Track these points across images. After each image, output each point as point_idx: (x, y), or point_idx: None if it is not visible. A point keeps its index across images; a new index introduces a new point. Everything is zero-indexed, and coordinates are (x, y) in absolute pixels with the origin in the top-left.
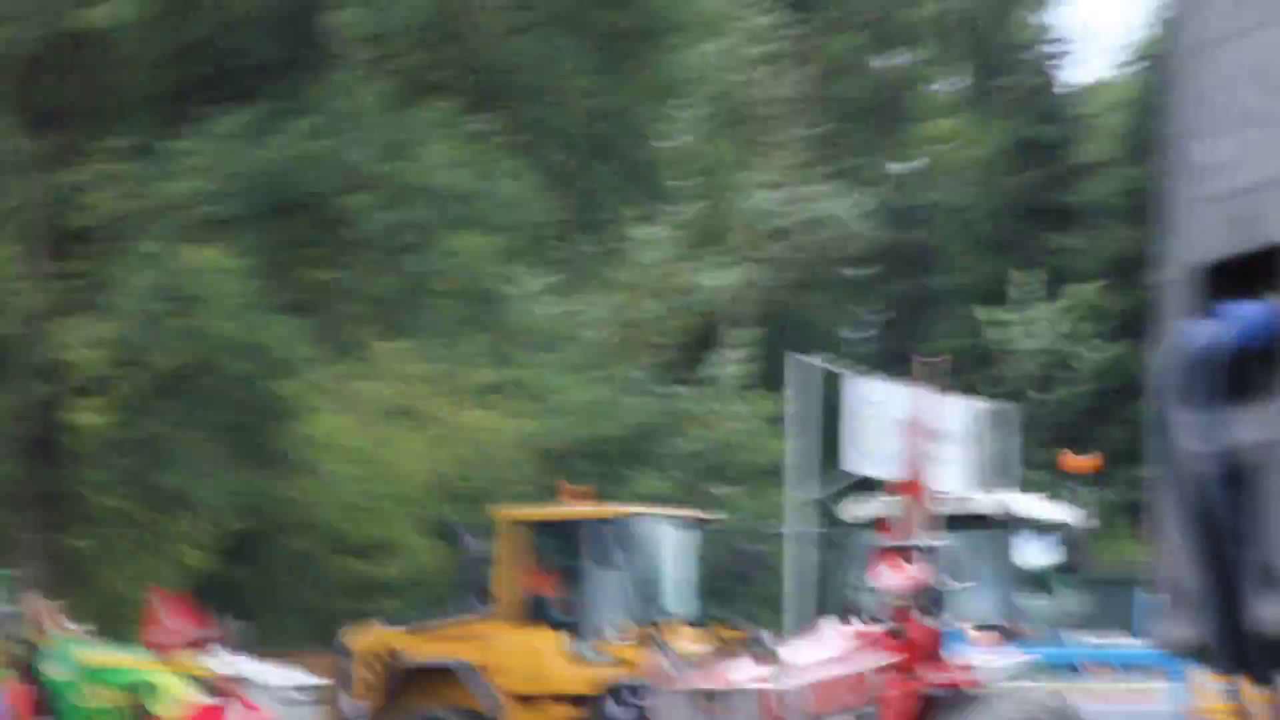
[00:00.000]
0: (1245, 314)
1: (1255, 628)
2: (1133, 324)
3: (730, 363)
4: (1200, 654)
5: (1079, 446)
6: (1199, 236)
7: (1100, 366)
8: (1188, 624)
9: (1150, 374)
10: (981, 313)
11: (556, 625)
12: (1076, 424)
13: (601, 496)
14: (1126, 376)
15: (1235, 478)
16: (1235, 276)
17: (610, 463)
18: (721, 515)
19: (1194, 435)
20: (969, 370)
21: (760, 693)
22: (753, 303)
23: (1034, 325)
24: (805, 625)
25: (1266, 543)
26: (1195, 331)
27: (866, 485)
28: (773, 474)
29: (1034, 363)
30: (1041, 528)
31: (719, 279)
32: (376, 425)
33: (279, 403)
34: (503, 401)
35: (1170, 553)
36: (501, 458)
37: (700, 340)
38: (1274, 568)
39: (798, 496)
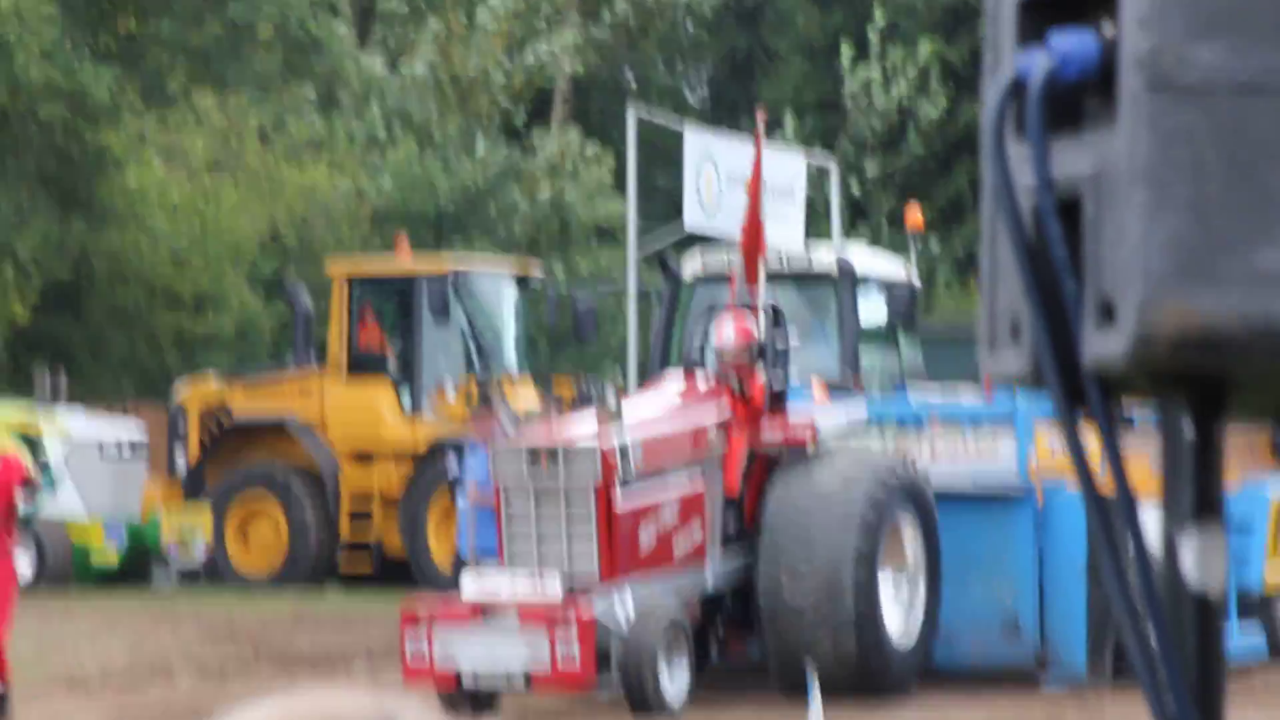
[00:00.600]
0: (1076, 43)
1: (1089, 361)
2: (973, 76)
3: (566, 122)
4: (1032, 383)
5: (923, 202)
6: None
7: (942, 120)
8: (1020, 356)
9: (983, 107)
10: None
11: (390, 381)
12: (921, 178)
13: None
14: (969, 129)
15: (1069, 210)
16: (1067, 5)
17: (445, 224)
18: (554, 274)
19: (1027, 168)
20: (812, 126)
21: (597, 449)
22: (588, 60)
23: (871, 83)
24: (647, 382)
25: (1101, 277)
26: (1027, 62)
27: (705, 241)
28: (609, 235)
29: (878, 119)
30: (880, 283)
31: (555, 37)
32: (202, 178)
33: (99, 153)
34: (331, 157)
35: (1003, 287)
36: (335, 214)
37: (535, 99)
38: (1110, 302)
39: (638, 252)
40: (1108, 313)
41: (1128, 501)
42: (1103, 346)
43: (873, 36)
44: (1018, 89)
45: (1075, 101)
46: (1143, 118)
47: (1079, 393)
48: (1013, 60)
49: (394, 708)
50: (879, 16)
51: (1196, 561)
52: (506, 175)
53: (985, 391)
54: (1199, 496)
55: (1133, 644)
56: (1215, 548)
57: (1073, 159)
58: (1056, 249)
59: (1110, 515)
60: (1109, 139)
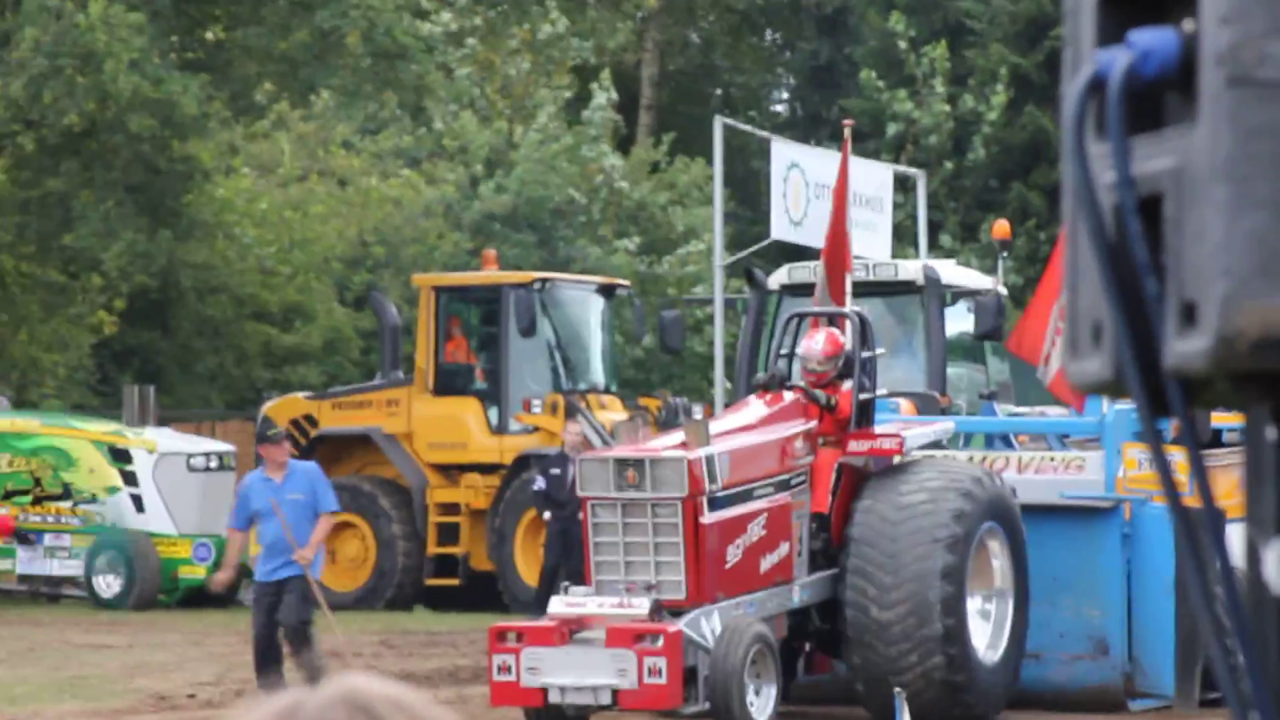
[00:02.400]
0: (1156, 39)
1: (1172, 363)
2: (1041, 87)
3: (646, 131)
4: (1114, 389)
5: (995, 213)
6: None
7: (1010, 131)
8: (1102, 361)
9: (1063, 106)
10: (885, 89)
11: (476, 394)
12: (987, 190)
13: (524, 264)
14: (1037, 139)
15: (1150, 209)
16: (1147, 3)
17: (535, 230)
18: (642, 283)
19: (1107, 167)
20: (875, 137)
21: (685, 460)
22: (662, 65)
23: (936, 94)
24: (733, 393)
25: (1182, 277)
26: (1106, 60)
27: (792, 252)
28: (690, 238)
29: (941, 132)
30: (966, 294)
31: (622, 36)
32: (289, 189)
33: (186, 163)
34: (424, 167)
35: (1085, 290)
36: (423, 224)
37: (618, 105)
38: (1191, 302)
39: (723, 263)
40: (1189, 313)
41: (1209, 503)
42: (1184, 348)
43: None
44: (1097, 86)
45: (1155, 99)
46: (1223, 114)
47: (1161, 397)
48: (1092, 58)
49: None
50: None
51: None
52: (590, 180)
53: (1060, 398)
54: None
55: (1217, 656)
56: None
57: (1153, 157)
58: (1137, 248)
59: (1193, 522)
60: (1190, 136)
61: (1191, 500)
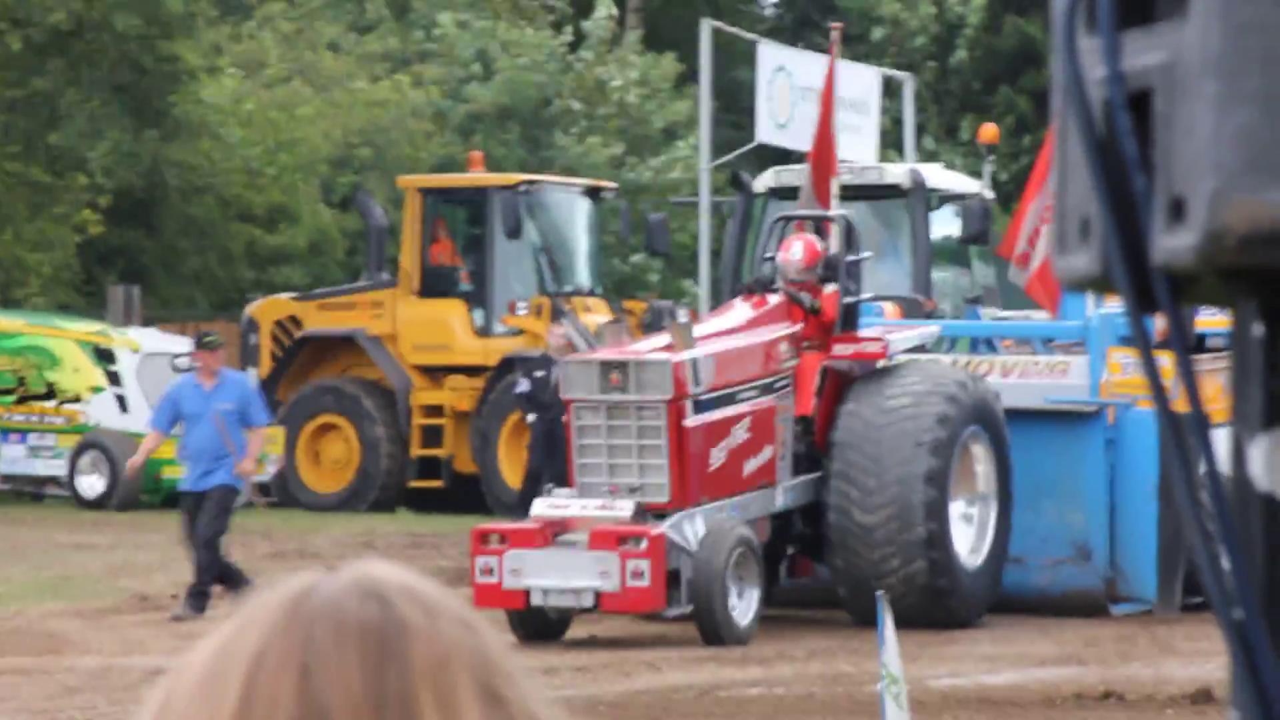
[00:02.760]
0: None
1: (1160, 259)
2: None
3: (629, 28)
4: (1101, 285)
5: (978, 116)
6: None
7: (997, 36)
8: (1089, 257)
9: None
10: None
11: (461, 296)
12: (971, 93)
13: (507, 166)
14: (1023, 44)
15: (1140, 105)
16: None
17: (519, 128)
18: (621, 184)
19: (1097, 61)
20: (863, 41)
21: (667, 363)
22: None
23: None
24: (720, 296)
25: (1171, 173)
26: None
27: (778, 156)
28: (672, 136)
29: (927, 34)
30: (952, 198)
31: None
32: (276, 90)
33: (172, 63)
34: (406, 69)
35: (1073, 186)
36: (408, 126)
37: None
38: (1180, 198)
39: (708, 166)
40: (1177, 209)
41: (1195, 399)
42: (1172, 243)
43: None
44: None
45: None
46: (1214, 8)
47: (1149, 294)
48: None
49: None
50: None
51: (1265, 464)
52: (570, 77)
53: (1035, 300)
54: (1268, 398)
55: (1200, 553)
56: None
57: (1144, 52)
58: (1126, 143)
59: (1180, 423)
60: (1181, 31)
61: (1179, 403)
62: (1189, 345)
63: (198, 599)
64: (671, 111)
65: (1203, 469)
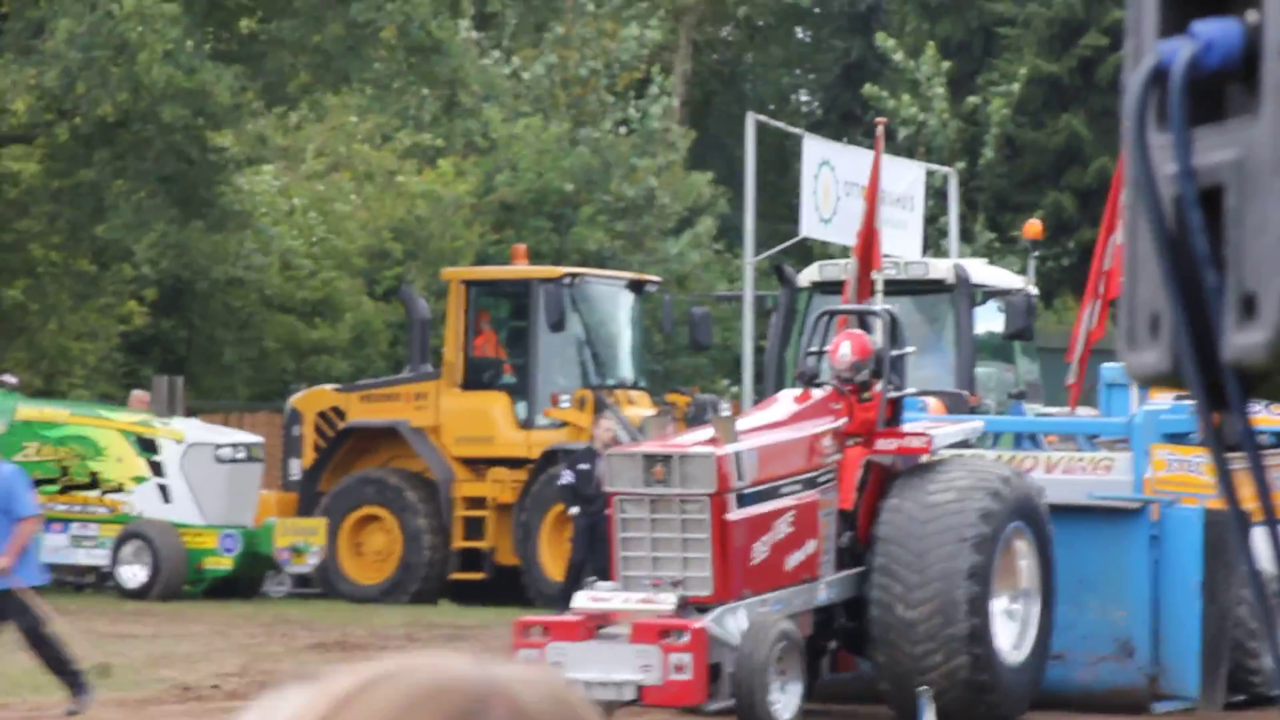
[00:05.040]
0: (1219, 30)
1: (1231, 356)
2: (1072, 90)
3: (656, 114)
4: (1171, 382)
5: (1018, 215)
6: None
7: (1040, 134)
8: (1159, 353)
9: (1124, 95)
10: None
11: (504, 388)
12: (1006, 191)
13: (549, 255)
14: (1063, 145)
15: (1211, 201)
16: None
17: (555, 217)
18: (658, 271)
19: (1168, 158)
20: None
21: (711, 456)
22: (695, 57)
23: (937, 96)
24: (763, 389)
25: (1242, 269)
26: (1169, 50)
27: (819, 249)
28: (706, 221)
29: (947, 132)
30: (996, 294)
31: (640, 29)
32: (320, 182)
33: (217, 154)
34: (449, 159)
35: (1144, 281)
36: (451, 216)
37: (637, 89)
38: (1252, 295)
39: (753, 260)
40: (1249, 306)
41: (1266, 500)
42: (1243, 340)
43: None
44: (1159, 77)
45: (1218, 90)
46: None
47: (1219, 391)
48: (1155, 49)
49: (504, 676)
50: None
51: None
52: (610, 164)
53: (1072, 400)
54: None
55: (1273, 647)
56: None
57: (1215, 148)
58: (1197, 239)
59: (1246, 520)
60: (1252, 128)
61: (1235, 502)
62: (1229, 447)
63: (75, 687)
64: (688, 187)
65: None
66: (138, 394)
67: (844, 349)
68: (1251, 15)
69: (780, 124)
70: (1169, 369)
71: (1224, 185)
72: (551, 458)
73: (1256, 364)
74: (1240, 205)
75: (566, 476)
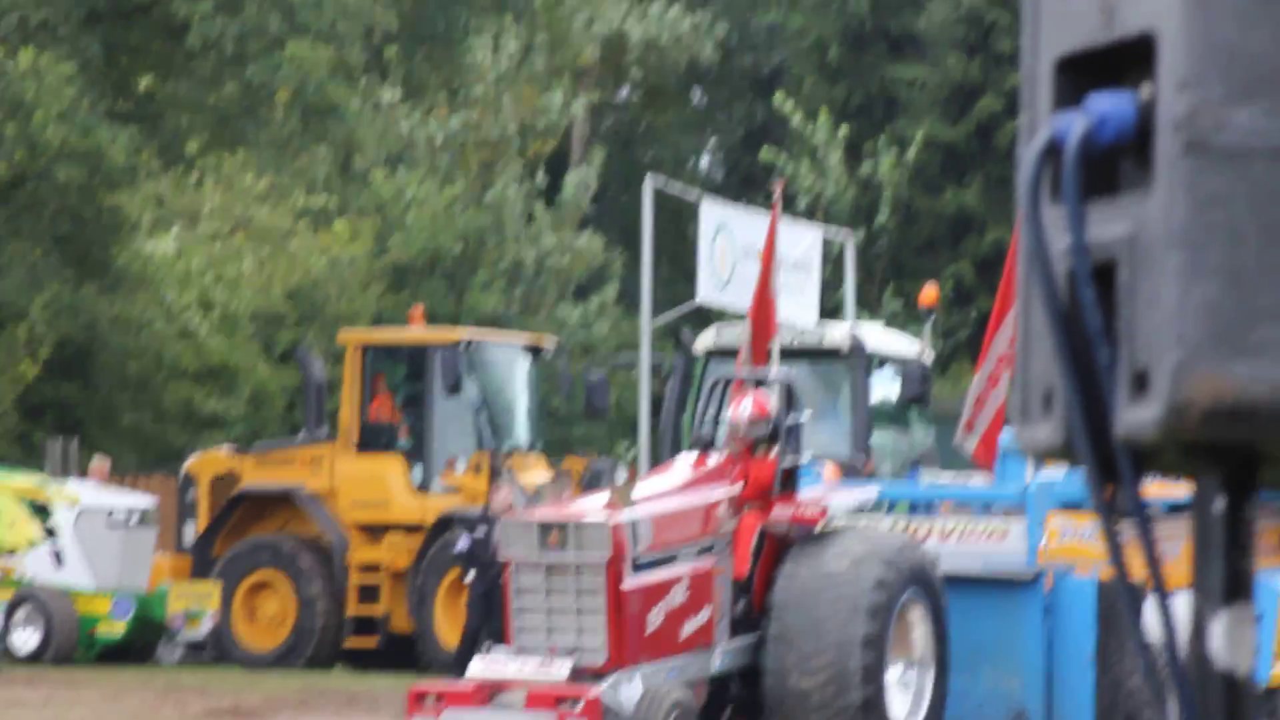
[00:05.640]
0: (1113, 105)
1: (1123, 432)
2: (968, 156)
3: (573, 184)
4: (1063, 456)
5: (914, 281)
6: (1065, 25)
7: (937, 201)
8: (1052, 428)
9: (1019, 169)
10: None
11: (400, 453)
12: (902, 258)
13: (445, 317)
14: (958, 213)
15: (1104, 275)
16: (1104, 66)
17: (455, 280)
18: (563, 338)
19: (1061, 232)
20: (787, 206)
21: (608, 525)
22: (595, 121)
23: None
24: (659, 455)
25: (1134, 345)
26: (1063, 125)
27: (716, 314)
28: (603, 286)
29: (842, 200)
30: (892, 360)
31: (561, 98)
32: (216, 243)
33: (113, 215)
34: (345, 219)
35: (1036, 356)
36: (345, 276)
37: (547, 159)
38: (1143, 371)
39: (650, 325)
40: (1141, 382)
41: (1158, 577)
42: (1135, 416)
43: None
44: (1053, 151)
45: (1111, 164)
46: (1179, 181)
47: (1111, 465)
48: (1049, 123)
49: None
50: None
51: (1225, 640)
52: (506, 228)
53: (980, 465)
54: (1229, 574)
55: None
56: (1245, 627)
57: (1108, 223)
58: (1090, 315)
59: (1137, 593)
60: (1145, 203)
61: (1125, 576)
62: (1147, 511)
63: None
64: (585, 251)
65: (1155, 639)
66: (97, 463)
67: (744, 406)
68: (1146, 89)
69: (678, 186)
70: (1061, 444)
71: (1117, 260)
72: (447, 523)
73: (1148, 440)
74: (1133, 280)
75: (462, 542)
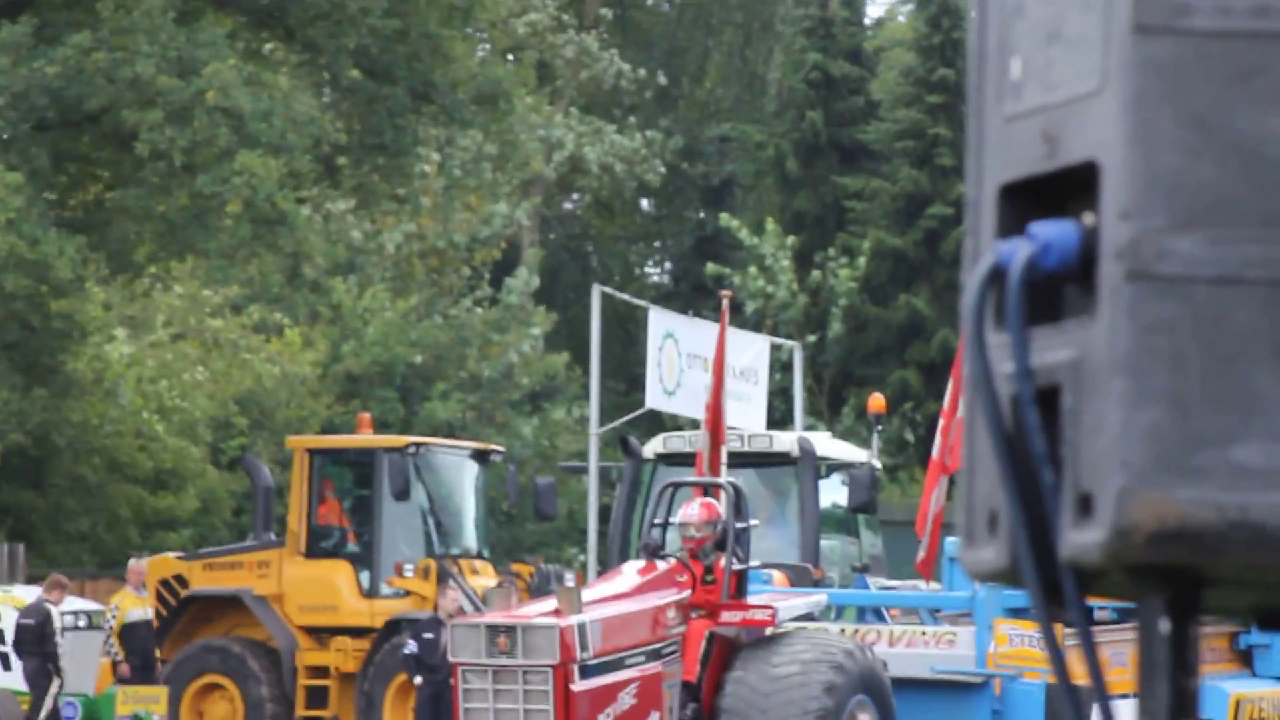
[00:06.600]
0: (1057, 232)
1: (1068, 554)
2: (917, 265)
3: (519, 291)
4: (1009, 578)
5: (861, 389)
6: (1009, 154)
7: (886, 309)
8: (997, 550)
9: (963, 294)
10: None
11: (348, 557)
12: (850, 365)
13: (395, 425)
14: (906, 321)
15: (1048, 399)
16: (1047, 194)
17: (404, 389)
18: (510, 445)
19: (1005, 357)
20: (735, 312)
21: (555, 628)
22: (543, 231)
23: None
24: (608, 560)
25: (1079, 468)
26: (1007, 251)
27: (664, 421)
28: (555, 394)
29: (795, 307)
30: (841, 467)
31: (510, 207)
32: (166, 350)
33: (62, 322)
34: (296, 329)
35: (981, 478)
36: (296, 385)
37: (496, 265)
38: (1088, 494)
39: (598, 431)
40: (1085, 505)
41: (1103, 700)
42: (1080, 539)
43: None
44: (997, 277)
45: (1055, 291)
46: (1122, 307)
47: (1056, 587)
48: (993, 249)
49: None
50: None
51: None
52: (462, 338)
53: (924, 578)
54: (1175, 694)
55: None
56: None
57: (1052, 348)
58: (1035, 439)
59: (1083, 710)
60: (1089, 328)
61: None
62: (1091, 635)
63: None
64: (544, 368)
65: None
66: (134, 565)
67: (693, 509)
68: (1088, 218)
69: (626, 296)
70: (1006, 566)
71: (1061, 385)
72: (395, 627)
73: (1093, 562)
74: (1077, 405)
75: (410, 646)
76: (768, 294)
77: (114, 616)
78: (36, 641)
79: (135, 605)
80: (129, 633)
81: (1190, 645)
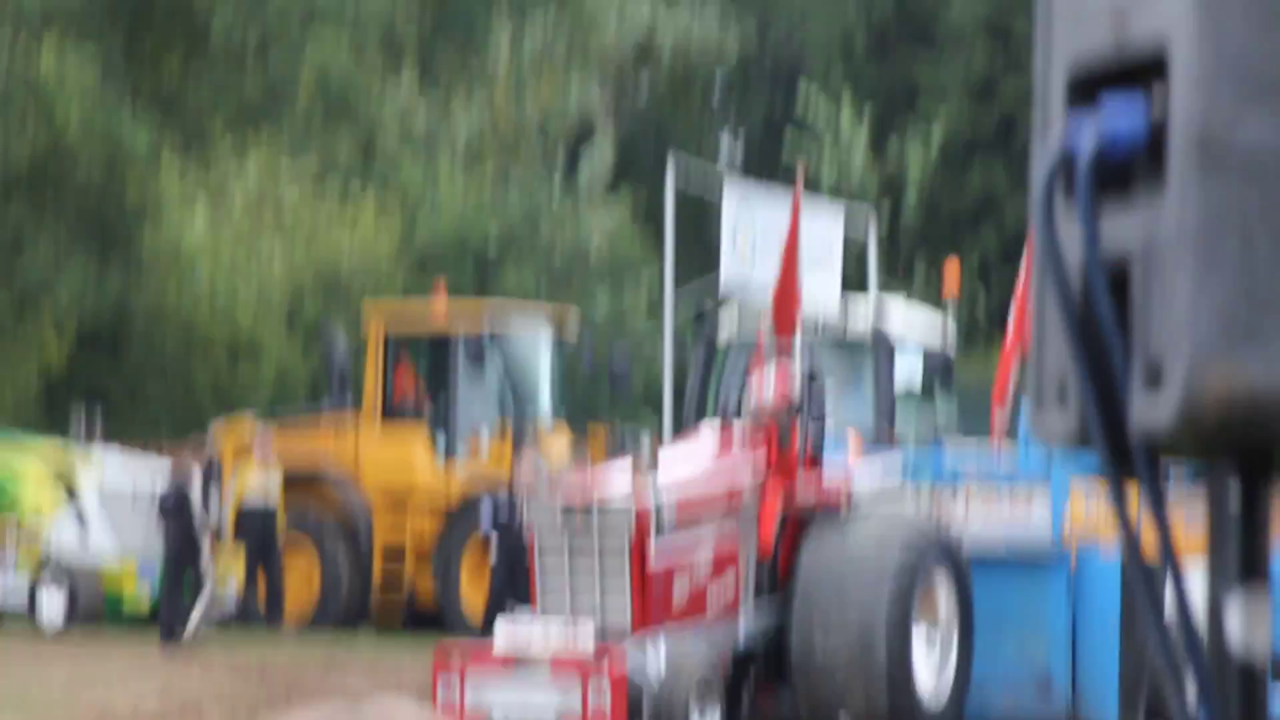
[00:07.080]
0: (1125, 120)
1: (1136, 424)
2: (989, 141)
3: (597, 168)
4: (1078, 442)
5: (938, 259)
6: (1078, 30)
7: (959, 184)
8: (1067, 418)
9: (1031, 174)
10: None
11: (426, 429)
12: (928, 235)
13: (469, 293)
14: (981, 193)
15: (1117, 276)
16: (1118, 72)
17: (481, 263)
18: (589, 317)
19: (1075, 231)
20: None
21: (632, 510)
22: (619, 112)
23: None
24: (683, 423)
25: (1148, 340)
26: (1076, 130)
27: (741, 289)
28: (634, 269)
29: (866, 193)
30: (917, 347)
31: (584, 89)
32: (242, 225)
33: (139, 200)
34: (371, 204)
35: (1050, 348)
36: (373, 260)
37: (569, 148)
38: (1157, 364)
39: (673, 298)
40: (1155, 377)
41: (1174, 566)
42: (1150, 410)
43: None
44: (1067, 162)
45: (1125, 169)
46: (1192, 188)
47: (1125, 455)
48: (1063, 126)
49: None
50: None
51: (1242, 624)
52: (537, 213)
53: (994, 447)
54: (1245, 560)
55: (1176, 708)
56: (1261, 611)
57: (1121, 225)
58: (1105, 314)
59: (1154, 579)
60: (1158, 207)
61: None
62: (1164, 502)
63: None
64: (620, 245)
65: (1172, 619)
66: (259, 435)
67: (767, 388)
68: (1158, 92)
69: (700, 166)
70: (1076, 434)
71: (1130, 262)
72: (472, 500)
73: (1163, 431)
74: (1146, 279)
75: (486, 520)
76: (841, 170)
77: (229, 490)
78: (177, 510)
79: (256, 485)
80: (246, 520)
81: (1261, 505)
